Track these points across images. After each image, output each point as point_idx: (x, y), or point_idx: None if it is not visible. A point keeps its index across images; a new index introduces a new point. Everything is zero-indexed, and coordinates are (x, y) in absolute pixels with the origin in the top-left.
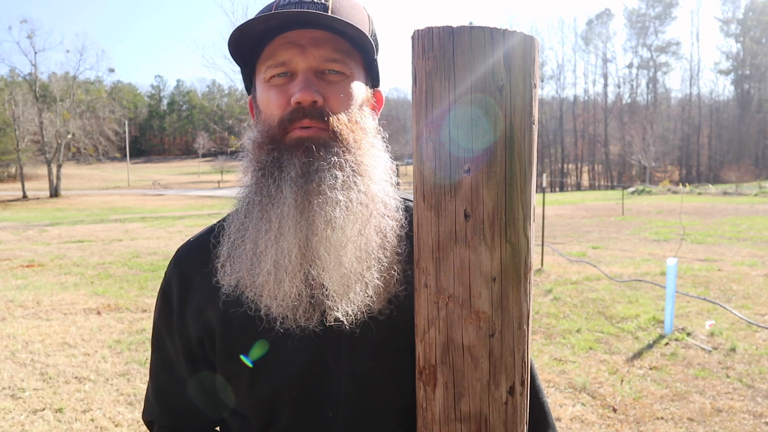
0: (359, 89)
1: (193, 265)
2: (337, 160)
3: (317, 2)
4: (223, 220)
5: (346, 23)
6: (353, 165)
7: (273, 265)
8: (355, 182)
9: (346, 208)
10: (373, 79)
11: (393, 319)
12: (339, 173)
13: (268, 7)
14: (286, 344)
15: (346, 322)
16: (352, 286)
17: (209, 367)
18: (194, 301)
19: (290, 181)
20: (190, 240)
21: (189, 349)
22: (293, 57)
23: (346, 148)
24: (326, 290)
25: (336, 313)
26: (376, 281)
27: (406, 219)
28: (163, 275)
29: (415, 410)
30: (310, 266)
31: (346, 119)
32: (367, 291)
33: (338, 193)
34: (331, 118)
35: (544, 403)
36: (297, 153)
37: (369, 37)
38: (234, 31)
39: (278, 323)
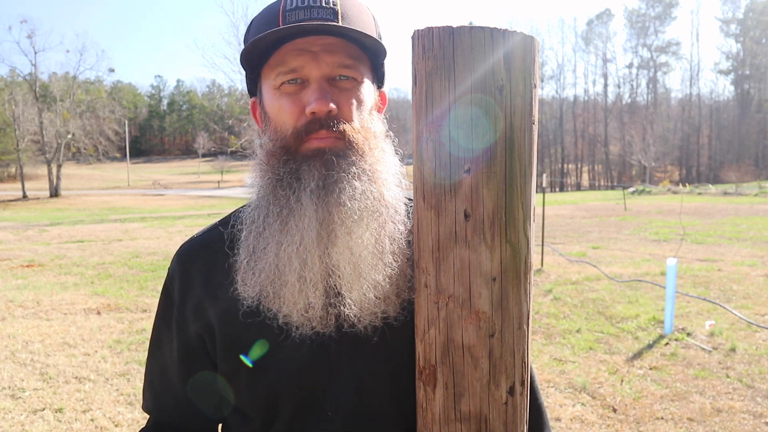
0: (369, 94)
1: (196, 262)
2: (355, 170)
3: (326, 7)
4: (230, 222)
5: (360, 32)
6: (369, 173)
7: (297, 278)
8: (371, 191)
9: (364, 217)
10: (378, 80)
11: (407, 324)
12: (358, 183)
13: (274, 10)
14: (286, 343)
15: (362, 328)
16: (370, 292)
17: (208, 367)
18: (195, 297)
19: (310, 193)
20: (193, 237)
21: (186, 347)
22: (305, 64)
23: (362, 156)
24: (342, 298)
25: (353, 320)
26: (392, 286)
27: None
28: (163, 275)
29: (414, 411)
30: (330, 276)
31: (359, 126)
32: (381, 296)
33: (357, 203)
34: (345, 127)
35: (540, 405)
36: (316, 164)
37: (379, 41)
38: (248, 45)
39: (293, 331)
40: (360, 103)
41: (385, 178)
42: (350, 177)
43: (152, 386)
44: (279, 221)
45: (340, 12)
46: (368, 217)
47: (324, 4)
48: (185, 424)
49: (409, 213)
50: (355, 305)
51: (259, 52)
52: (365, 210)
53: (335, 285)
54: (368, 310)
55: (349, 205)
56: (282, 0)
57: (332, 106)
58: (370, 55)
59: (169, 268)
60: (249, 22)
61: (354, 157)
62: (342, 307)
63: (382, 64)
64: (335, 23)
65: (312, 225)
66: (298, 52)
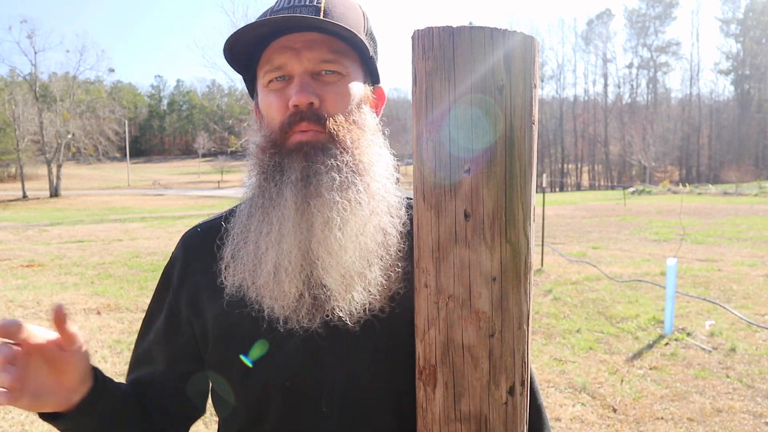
0: (356, 88)
1: (198, 249)
2: (334, 162)
3: (310, 5)
4: (231, 212)
5: (337, 25)
6: (352, 165)
7: (274, 266)
8: (353, 182)
9: (344, 208)
10: (372, 76)
11: (394, 316)
12: (336, 175)
13: (264, 14)
14: (278, 336)
15: (349, 322)
16: (354, 285)
17: (191, 358)
18: (192, 284)
19: (291, 185)
20: (199, 224)
21: (173, 327)
22: (288, 61)
23: (344, 149)
24: (328, 290)
25: (338, 312)
26: (379, 278)
27: (407, 216)
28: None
29: (410, 409)
30: (312, 267)
31: (342, 119)
32: (369, 289)
33: (336, 194)
34: (327, 120)
35: (540, 405)
36: (297, 157)
37: (362, 36)
38: (227, 41)
39: (280, 323)
40: (345, 95)
41: (371, 170)
42: (329, 169)
43: (137, 361)
44: (261, 212)
45: (323, 9)
46: (350, 208)
47: (308, 3)
48: (159, 399)
49: (403, 208)
50: (339, 296)
51: (245, 52)
52: (347, 200)
53: (319, 276)
54: (355, 300)
55: (327, 195)
56: (273, 4)
57: (313, 98)
58: (356, 49)
59: (172, 252)
60: None
61: (335, 150)
62: (328, 299)
63: (372, 58)
64: (311, 17)
65: (290, 215)
66: (282, 49)
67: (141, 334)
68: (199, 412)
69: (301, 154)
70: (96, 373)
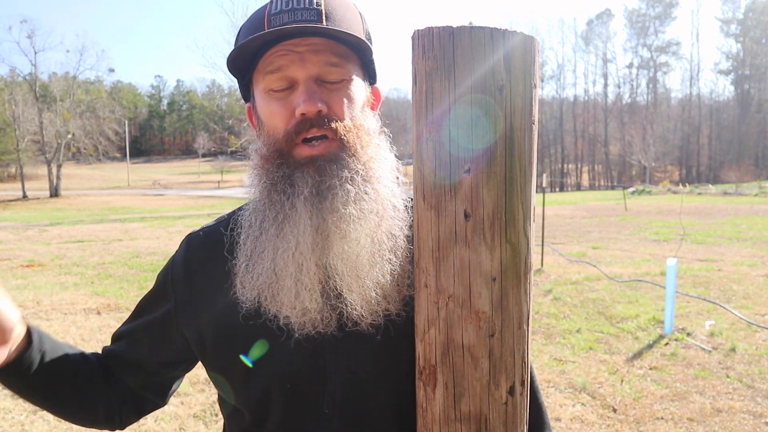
0: (360, 91)
1: (199, 255)
2: (348, 174)
3: (310, 7)
4: (233, 216)
5: (344, 32)
6: (363, 173)
7: (294, 282)
8: (365, 191)
9: (359, 219)
10: (370, 77)
11: (398, 318)
12: (351, 187)
13: (260, 15)
14: (280, 340)
15: (364, 326)
16: (369, 291)
17: (171, 352)
18: (193, 287)
19: (304, 200)
20: (201, 228)
21: (164, 322)
22: (291, 65)
23: (355, 156)
24: (344, 298)
25: (356, 319)
26: (389, 284)
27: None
28: None
29: (411, 409)
30: (328, 278)
31: (351, 125)
32: (380, 294)
33: (351, 207)
34: (337, 125)
35: (541, 404)
36: (308, 171)
37: (364, 39)
38: (232, 53)
39: (295, 332)
40: (351, 100)
41: (380, 175)
42: (343, 181)
43: (119, 335)
44: (275, 226)
45: (324, 12)
46: (364, 218)
47: (308, 5)
48: (126, 376)
49: (408, 209)
50: (356, 305)
51: (246, 57)
52: (360, 211)
53: (335, 287)
54: (369, 309)
55: (342, 210)
56: (268, 4)
57: (321, 105)
58: (358, 52)
59: (174, 255)
60: (239, 28)
61: (346, 159)
62: (344, 307)
63: (372, 60)
64: (319, 24)
65: (307, 231)
66: (284, 53)
67: (132, 315)
68: (161, 401)
69: (314, 168)
70: (32, 333)
